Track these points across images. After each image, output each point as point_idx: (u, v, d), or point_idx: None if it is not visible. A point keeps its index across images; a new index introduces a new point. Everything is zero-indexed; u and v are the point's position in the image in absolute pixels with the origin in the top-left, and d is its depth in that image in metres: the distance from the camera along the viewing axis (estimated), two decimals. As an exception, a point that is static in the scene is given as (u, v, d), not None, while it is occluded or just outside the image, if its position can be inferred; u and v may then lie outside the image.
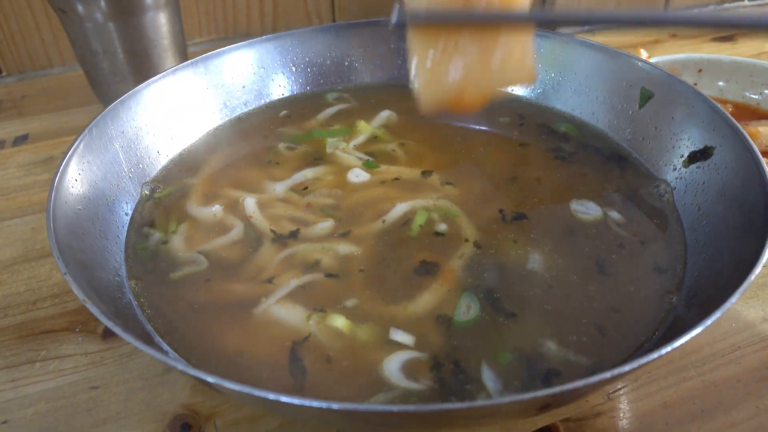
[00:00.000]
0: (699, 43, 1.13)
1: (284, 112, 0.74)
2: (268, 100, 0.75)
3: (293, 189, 0.63)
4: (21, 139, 0.88)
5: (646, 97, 0.64)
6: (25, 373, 0.55)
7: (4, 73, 1.05)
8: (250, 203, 0.61)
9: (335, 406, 0.30)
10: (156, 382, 0.53)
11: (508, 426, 0.49)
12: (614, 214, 0.58)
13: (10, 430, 0.51)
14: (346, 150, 0.68)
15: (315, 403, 0.30)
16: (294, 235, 0.57)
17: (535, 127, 0.70)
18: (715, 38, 1.14)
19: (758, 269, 0.41)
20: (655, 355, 0.36)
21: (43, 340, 0.58)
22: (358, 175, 0.65)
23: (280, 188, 0.63)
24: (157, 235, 0.58)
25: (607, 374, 0.35)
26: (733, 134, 0.53)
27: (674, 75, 0.61)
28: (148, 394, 0.53)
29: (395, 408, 0.30)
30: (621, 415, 0.50)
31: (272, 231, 0.58)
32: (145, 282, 0.53)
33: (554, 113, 0.71)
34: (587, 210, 0.58)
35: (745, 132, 0.52)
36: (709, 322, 0.36)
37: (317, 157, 0.68)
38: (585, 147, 0.66)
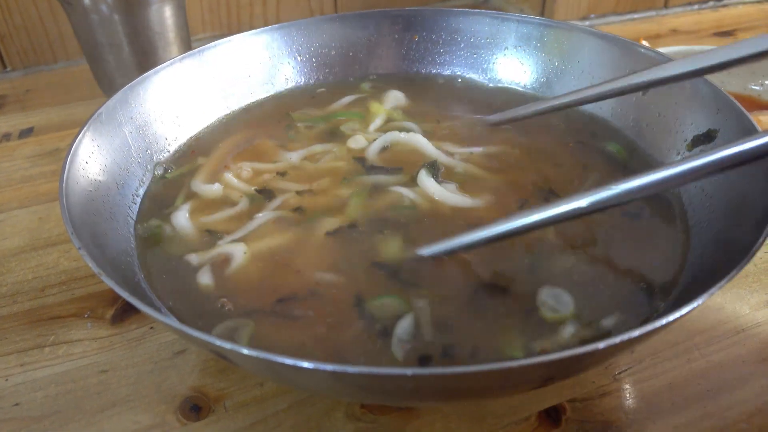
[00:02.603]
0: (699, 38, 1.13)
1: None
2: (273, 90, 0.76)
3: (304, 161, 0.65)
4: (26, 132, 0.88)
5: (649, 83, 0.64)
6: (35, 357, 0.55)
7: (8, 68, 1.05)
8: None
9: (350, 369, 0.30)
10: (165, 366, 0.54)
11: (515, 404, 0.50)
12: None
13: (20, 412, 0.51)
14: (365, 135, 0.68)
15: (329, 367, 0.30)
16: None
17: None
18: (716, 33, 1.15)
19: (760, 242, 0.42)
20: (655, 325, 0.36)
21: (51, 326, 0.58)
22: (357, 141, 0.67)
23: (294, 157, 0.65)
24: (166, 217, 0.59)
25: (601, 344, 0.34)
26: (736, 116, 0.54)
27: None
28: (157, 377, 0.53)
29: (409, 371, 0.30)
30: (627, 395, 0.51)
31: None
32: (155, 263, 0.54)
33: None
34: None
35: (748, 114, 0.53)
36: (712, 291, 0.37)
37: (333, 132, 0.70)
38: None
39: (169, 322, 0.37)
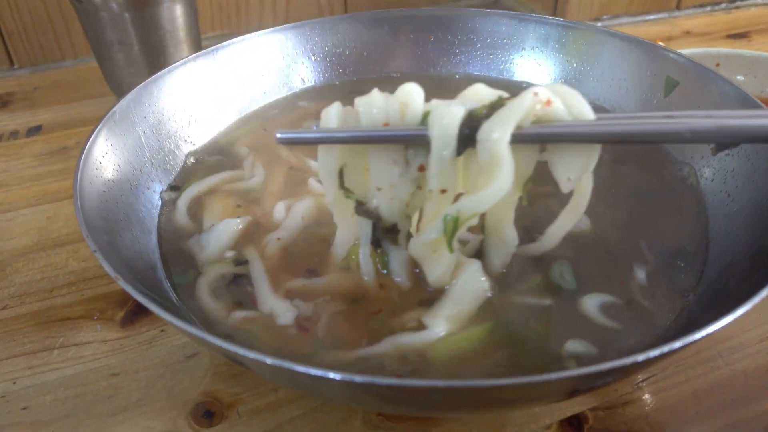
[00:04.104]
0: (712, 40, 1.12)
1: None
2: (287, 89, 0.75)
3: None
4: (34, 130, 0.87)
5: (671, 85, 0.63)
6: (43, 360, 0.54)
7: (16, 66, 1.04)
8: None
9: (380, 381, 0.29)
10: (177, 369, 0.53)
11: (536, 412, 0.49)
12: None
13: (29, 416, 0.50)
14: None
15: (358, 379, 0.29)
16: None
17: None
18: (729, 35, 1.14)
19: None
20: (691, 338, 0.35)
21: (60, 328, 0.57)
22: None
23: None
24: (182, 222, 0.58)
25: (640, 357, 0.34)
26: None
27: (700, 64, 0.61)
28: (169, 381, 0.52)
29: (441, 384, 0.29)
30: (650, 404, 0.49)
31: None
32: (173, 265, 0.53)
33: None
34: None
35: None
36: (755, 300, 0.36)
37: None
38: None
39: (196, 332, 0.36)
